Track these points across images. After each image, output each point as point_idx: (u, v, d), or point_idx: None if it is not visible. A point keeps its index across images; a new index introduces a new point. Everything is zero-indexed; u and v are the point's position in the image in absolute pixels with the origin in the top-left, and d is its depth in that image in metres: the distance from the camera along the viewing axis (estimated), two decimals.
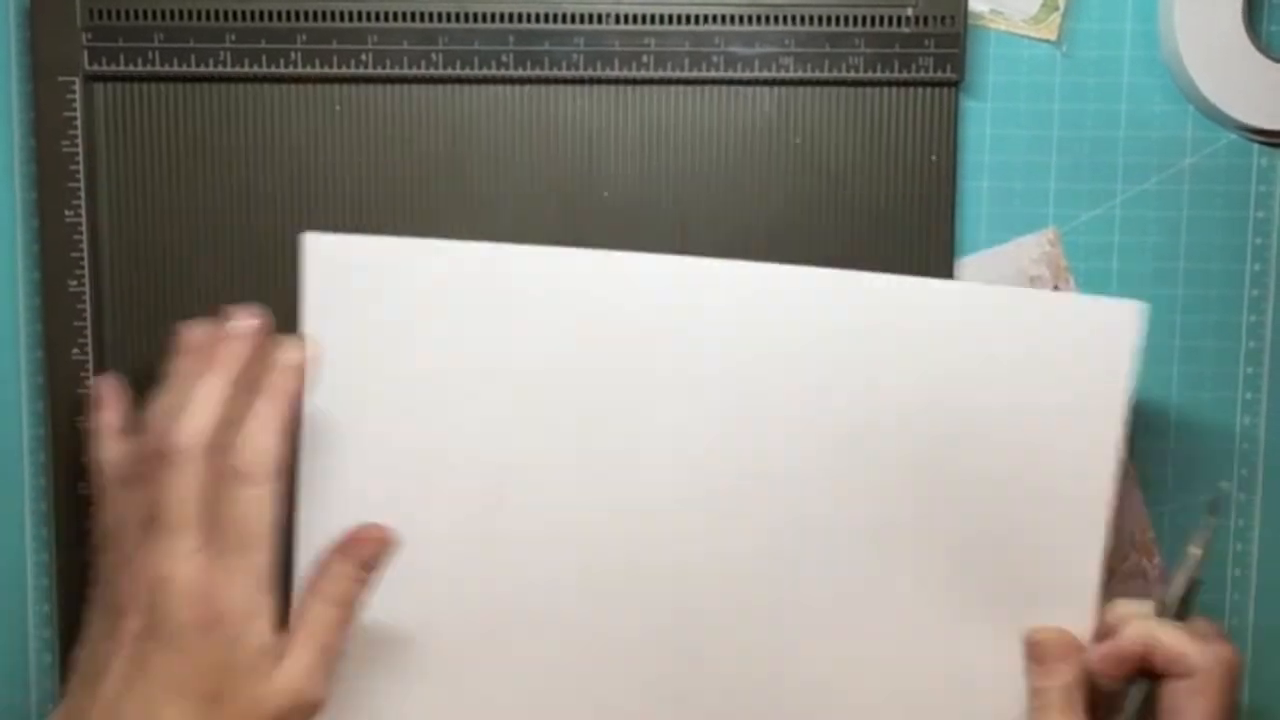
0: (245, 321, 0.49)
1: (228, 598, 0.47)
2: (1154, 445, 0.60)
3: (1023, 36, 0.57)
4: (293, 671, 0.48)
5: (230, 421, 0.48)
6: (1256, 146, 0.58)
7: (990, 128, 0.58)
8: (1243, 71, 0.57)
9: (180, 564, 0.46)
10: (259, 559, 0.47)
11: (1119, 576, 0.56)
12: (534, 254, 0.48)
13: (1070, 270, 0.54)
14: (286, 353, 0.50)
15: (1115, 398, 0.49)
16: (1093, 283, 0.59)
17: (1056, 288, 0.54)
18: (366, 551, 0.49)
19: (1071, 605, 0.49)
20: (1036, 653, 0.52)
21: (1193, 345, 0.59)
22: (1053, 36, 0.57)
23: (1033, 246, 0.54)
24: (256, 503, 0.47)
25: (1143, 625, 0.50)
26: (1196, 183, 0.59)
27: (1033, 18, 0.57)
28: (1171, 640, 0.49)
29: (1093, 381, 0.48)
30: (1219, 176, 0.59)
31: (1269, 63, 0.57)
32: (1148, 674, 0.50)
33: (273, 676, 0.47)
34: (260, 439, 0.48)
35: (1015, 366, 0.48)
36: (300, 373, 0.49)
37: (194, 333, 0.50)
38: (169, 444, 0.47)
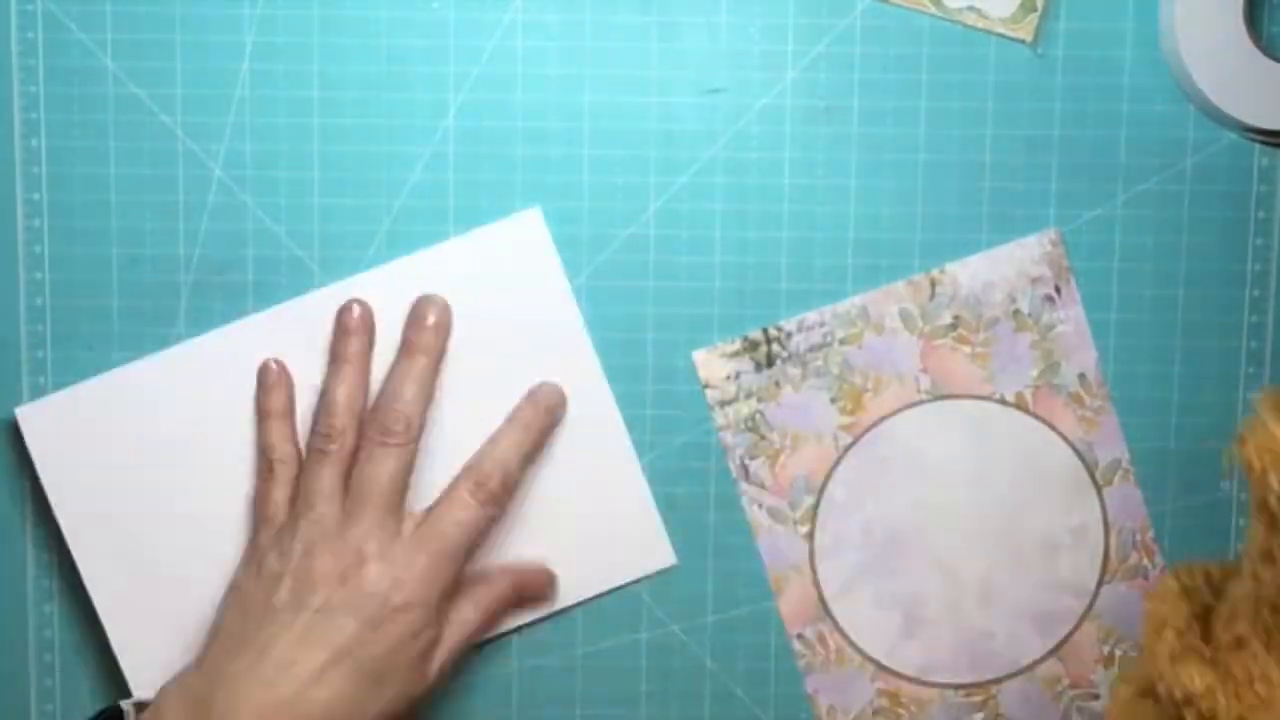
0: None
1: (415, 590, 0.53)
2: (1154, 445, 0.60)
3: (997, 35, 0.57)
4: (435, 674, 0.54)
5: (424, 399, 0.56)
6: (1257, 146, 0.58)
7: (990, 128, 0.58)
8: (1243, 71, 0.57)
9: (383, 546, 0.53)
10: (446, 555, 0.54)
11: (1121, 575, 0.56)
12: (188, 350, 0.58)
13: (1072, 270, 0.55)
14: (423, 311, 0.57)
15: (560, 290, 0.57)
16: (1093, 282, 0.59)
17: (1058, 289, 0.54)
18: (529, 581, 0.57)
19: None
20: None
21: (1193, 345, 0.59)
22: (1028, 37, 0.57)
23: (1034, 247, 0.54)
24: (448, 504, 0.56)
25: None
26: (1197, 183, 0.59)
27: (1009, 17, 0.57)
28: None
29: (537, 287, 0.57)
30: (1219, 176, 0.59)
31: (1269, 63, 0.56)
32: None
33: (425, 674, 0.54)
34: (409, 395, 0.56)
35: (484, 301, 0.57)
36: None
37: (353, 314, 0.56)
38: (382, 424, 0.54)
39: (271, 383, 0.57)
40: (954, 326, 0.54)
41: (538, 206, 0.58)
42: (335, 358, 0.57)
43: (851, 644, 0.56)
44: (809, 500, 0.55)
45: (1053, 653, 0.57)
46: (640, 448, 0.59)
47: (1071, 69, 0.58)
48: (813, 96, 0.58)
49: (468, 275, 0.57)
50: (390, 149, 0.58)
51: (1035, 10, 0.57)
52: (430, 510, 0.55)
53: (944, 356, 0.55)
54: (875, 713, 0.57)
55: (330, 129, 0.58)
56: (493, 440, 0.56)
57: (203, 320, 0.59)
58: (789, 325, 0.55)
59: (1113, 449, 0.57)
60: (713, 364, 0.55)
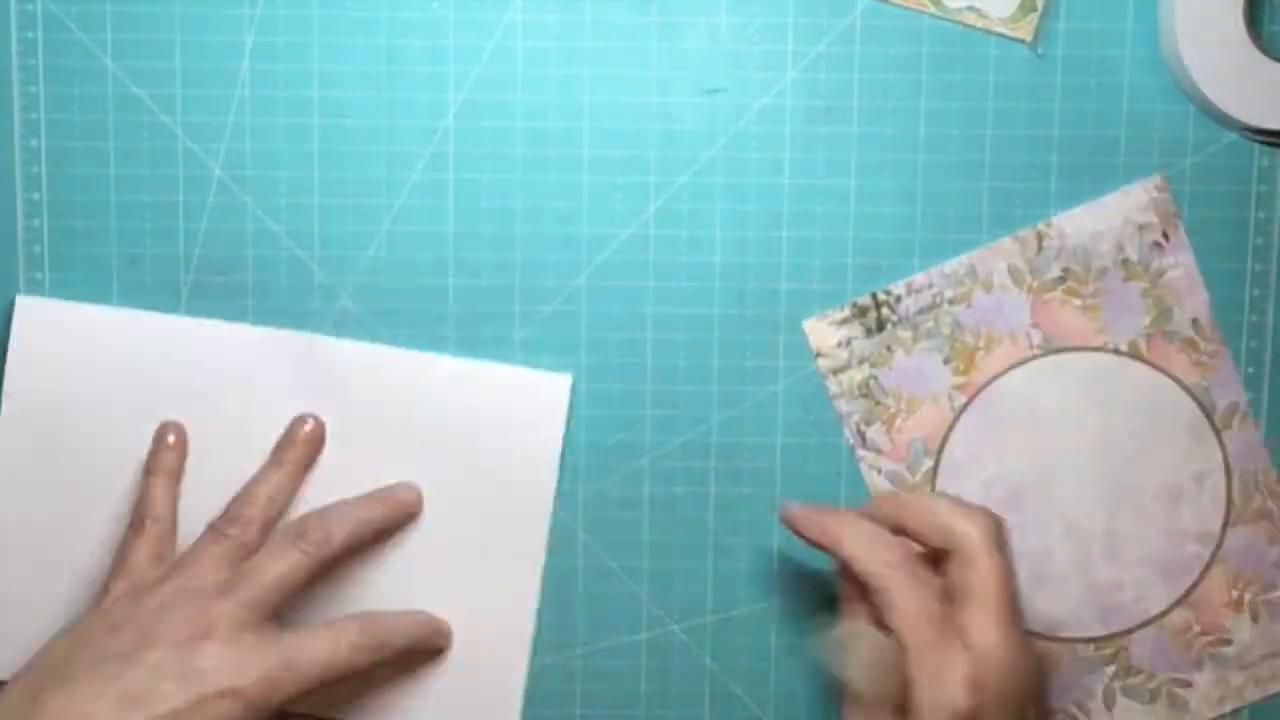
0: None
1: (252, 684, 0.51)
2: None
3: (996, 35, 0.57)
4: None
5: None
6: (1257, 146, 0.58)
7: (990, 128, 0.58)
8: (1243, 71, 0.57)
9: (238, 631, 0.52)
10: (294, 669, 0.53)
11: (1246, 518, 0.56)
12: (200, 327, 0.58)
13: (1179, 215, 0.54)
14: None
15: (548, 461, 0.58)
16: None
17: (1166, 235, 0.54)
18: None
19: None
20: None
21: None
22: (1028, 37, 0.57)
23: (1139, 194, 0.54)
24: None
25: (891, 497, 0.52)
26: (1197, 183, 0.59)
27: (1009, 17, 0.57)
28: (920, 501, 0.50)
29: (527, 445, 0.58)
30: (1219, 176, 0.59)
31: (1269, 63, 0.57)
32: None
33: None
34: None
35: (467, 429, 0.58)
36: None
37: (305, 427, 0.58)
38: (298, 530, 0.55)
39: (171, 443, 0.57)
40: (1063, 279, 0.55)
41: (569, 375, 0.58)
42: (274, 458, 0.57)
43: None
44: (928, 463, 0.56)
45: (1181, 601, 0.57)
46: (640, 447, 0.59)
47: (1071, 69, 0.58)
48: (813, 96, 0.58)
49: (477, 399, 0.58)
50: (390, 149, 0.58)
51: (1035, 10, 0.57)
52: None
53: (1054, 310, 0.55)
54: None
55: (330, 129, 0.58)
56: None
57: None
58: (897, 289, 0.55)
59: (1230, 392, 0.57)
60: (823, 331, 0.55)
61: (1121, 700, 0.57)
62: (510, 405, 0.58)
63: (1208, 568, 0.57)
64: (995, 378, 0.55)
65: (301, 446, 0.57)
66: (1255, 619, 0.57)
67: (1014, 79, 0.58)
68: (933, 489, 0.55)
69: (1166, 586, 0.57)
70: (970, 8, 0.57)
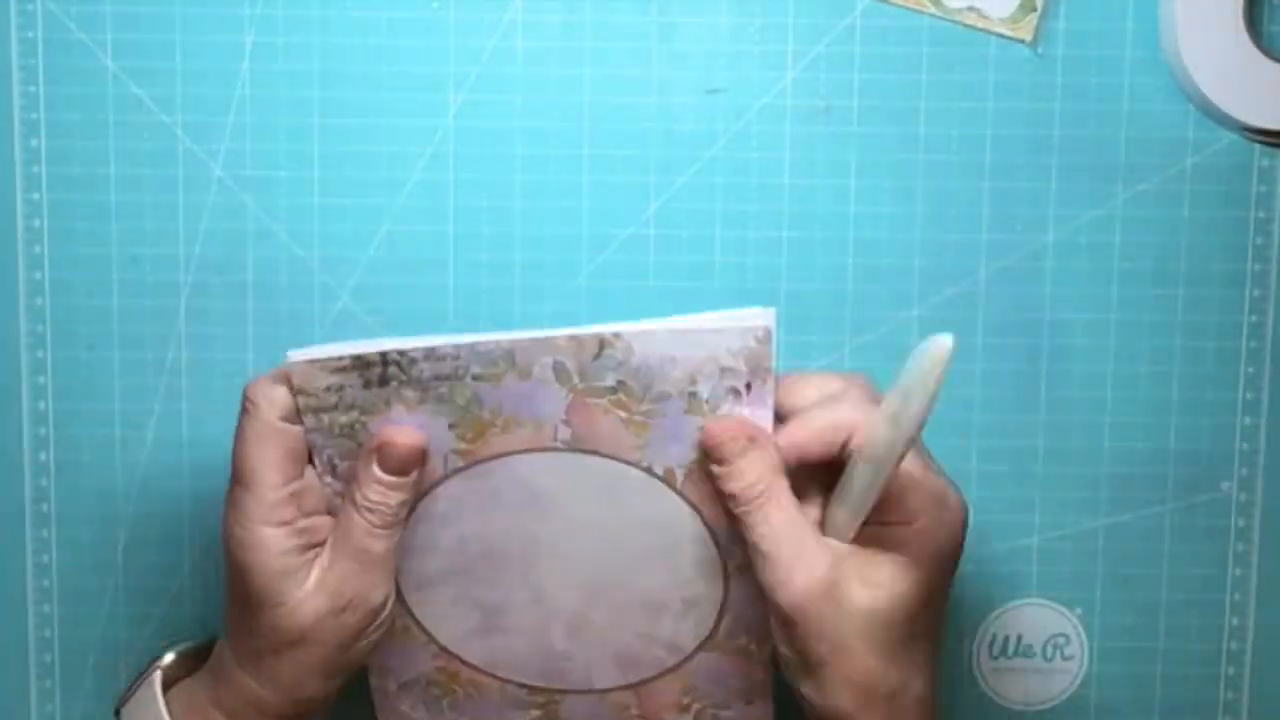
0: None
1: None
2: (1154, 445, 0.60)
3: (996, 35, 0.57)
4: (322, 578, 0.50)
5: None
6: (1257, 146, 0.58)
7: (990, 128, 0.58)
8: (1243, 71, 0.57)
9: None
10: None
11: (725, 650, 0.54)
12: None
13: (772, 370, 0.49)
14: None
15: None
16: (1093, 282, 0.59)
17: (749, 385, 0.48)
18: (392, 458, 0.49)
19: None
20: (716, 454, 0.48)
21: (1193, 345, 0.59)
22: (1028, 37, 0.57)
23: (735, 337, 0.48)
24: None
25: (824, 409, 0.48)
26: (1197, 183, 0.59)
27: (1009, 17, 0.57)
28: (851, 413, 0.48)
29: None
30: (1219, 177, 0.59)
31: (1269, 63, 0.56)
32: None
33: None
34: None
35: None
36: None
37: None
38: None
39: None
40: (614, 390, 0.49)
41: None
42: None
43: (419, 625, 0.54)
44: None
45: (629, 687, 0.55)
46: None
47: (1071, 69, 0.58)
48: (813, 96, 0.58)
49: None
50: (390, 149, 0.58)
51: (1035, 10, 0.57)
52: None
53: (594, 414, 0.49)
54: (429, 683, 0.55)
55: (330, 129, 0.58)
56: None
57: (203, 320, 0.59)
58: (416, 354, 0.48)
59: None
60: (311, 374, 0.48)
61: None
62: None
63: (667, 671, 0.54)
64: (504, 455, 0.50)
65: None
66: None
67: (1014, 79, 0.58)
68: (404, 527, 0.51)
69: (619, 671, 0.54)
70: (970, 8, 0.57)
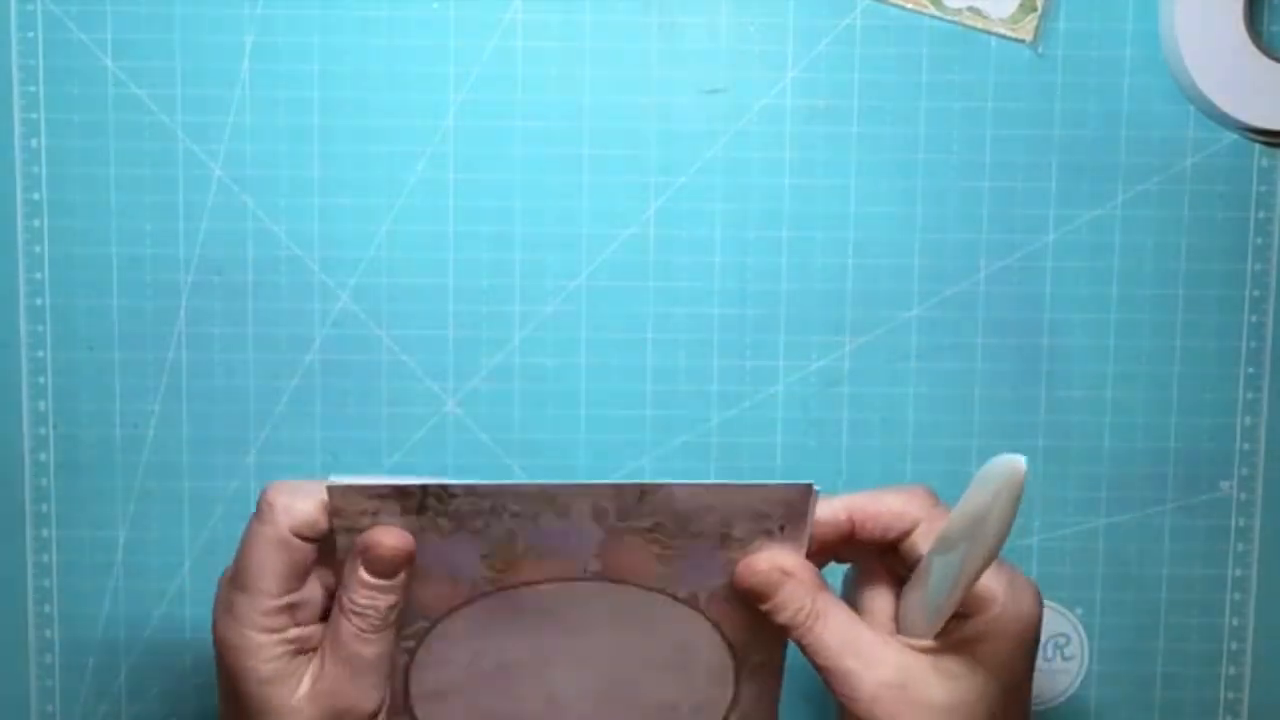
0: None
1: None
2: (1154, 445, 0.60)
3: (997, 35, 0.58)
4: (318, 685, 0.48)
5: None
6: (1257, 146, 0.58)
7: (990, 128, 0.58)
8: (1243, 71, 0.57)
9: None
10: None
11: None
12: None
13: (806, 518, 0.48)
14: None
15: None
16: (1094, 282, 0.59)
17: (783, 527, 0.48)
18: (379, 560, 0.48)
19: None
20: (754, 595, 0.48)
21: (1193, 345, 0.59)
22: (1028, 37, 0.57)
23: (776, 494, 0.48)
24: None
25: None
26: (1197, 183, 0.59)
27: (1009, 17, 0.57)
28: (918, 509, 0.47)
29: None
30: (1219, 177, 0.59)
31: (1269, 63, 0.57)
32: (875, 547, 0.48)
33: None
34: None
35: None
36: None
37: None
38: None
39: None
40: (651, 530, 0.48)
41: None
42: None
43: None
44: (422, 622, 0.50)
45: None
46: (640, 447, 0.59)
47: (1071, 69, 0.58)
48: (813, 96, 0.58)
49: None
50: (390, 149, 0.58)
51: (1035, 10, 0.57)
52: None
53: (625, 548, 0.49)
54: None
55: (330, 129, 0.58)
56: None
57: (203, 320, 0.59)
58: (458, 489, 0.48)
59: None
60: (350, 496, 0.47)
61: None
62: None
63: None
64: (533, 583, 0.50)
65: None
66: None
67: (1014, 79, 0.58)
68: (416, 645, 0.50)
69: None
70: (970, 8, 0.57)
